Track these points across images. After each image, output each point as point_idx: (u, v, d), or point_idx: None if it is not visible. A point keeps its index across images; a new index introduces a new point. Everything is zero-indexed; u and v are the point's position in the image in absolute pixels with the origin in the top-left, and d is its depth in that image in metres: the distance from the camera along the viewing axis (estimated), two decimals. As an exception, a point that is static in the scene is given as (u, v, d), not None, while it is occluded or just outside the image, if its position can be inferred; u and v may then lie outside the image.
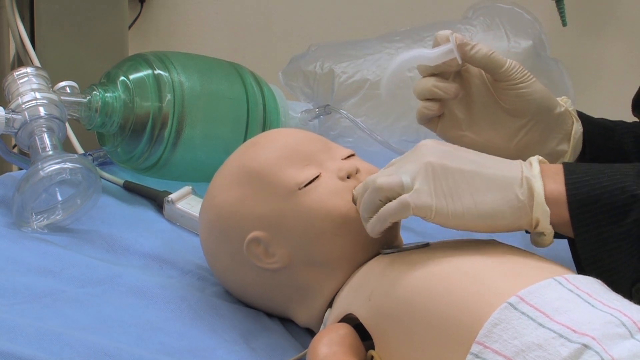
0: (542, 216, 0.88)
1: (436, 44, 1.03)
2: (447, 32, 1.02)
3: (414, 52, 1.03)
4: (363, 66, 1.71)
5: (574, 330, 0.79)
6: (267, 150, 1.02)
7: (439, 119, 1.07)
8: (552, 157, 1.06)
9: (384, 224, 0.91)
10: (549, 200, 0.89)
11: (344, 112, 1.50)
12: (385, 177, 0.90)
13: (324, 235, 0.96)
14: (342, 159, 1.02)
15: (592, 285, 0.85)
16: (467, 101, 1.06)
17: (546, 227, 0.89)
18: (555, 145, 1.07)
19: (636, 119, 1.18)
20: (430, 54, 1.02)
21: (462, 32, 1.80)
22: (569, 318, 0.80)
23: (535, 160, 0.91)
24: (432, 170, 0.89)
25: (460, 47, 1.01)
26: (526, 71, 1.03)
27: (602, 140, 1.10)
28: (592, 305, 0.82)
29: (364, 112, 1.56)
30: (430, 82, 1.03)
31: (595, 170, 0.90)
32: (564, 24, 2.15)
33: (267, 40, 2.64)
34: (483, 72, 1.05)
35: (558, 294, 0.83)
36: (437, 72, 1.04)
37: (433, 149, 0.91)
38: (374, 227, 0.91)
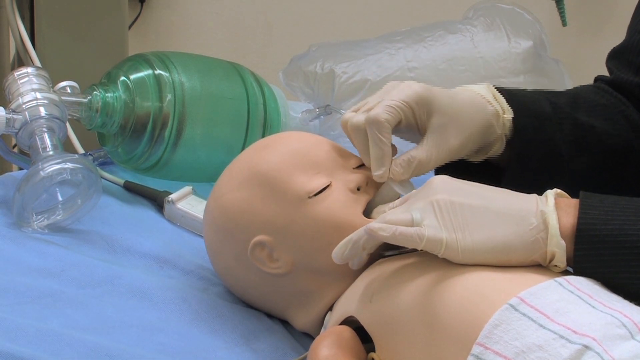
0: (559, 249, 0.87)
1: (385, 187, 1.00)
2: (378, 172, 0.98)
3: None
4: (363, 66, 1.71)
5: (574, 331, 0.79)
6: (278, 154, 1.01)
7: None
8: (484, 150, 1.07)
9: (389, 239, 0.88)
10: (562, 234, 0.87)
11: (345, 112, 1.50)
12: (395, 214, 0.90)
13: (330, 246, 0.95)
14: (354, 168, 1.02)
15: (592, 287, 0.85)
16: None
17: (562, 262, 0.87)
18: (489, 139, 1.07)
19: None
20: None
21: (463, 32, 1.80)
22: (569, 319, 0.80)
23: (551, 193, 0.90)
24: (441, 207, 0.88)
25: (393, 175, 0.99)
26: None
27: (532, 133, 1.08)
28: (593, 307, 0.82)
29: (364, 112, 1.56)
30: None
31: (611, 204, 0.88)
32: (564, 24, 2.15)
33: (267, 40, 2.64)
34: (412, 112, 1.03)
35: (559, 295, 0.83)
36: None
37: (443, 186, 0.90)
38: (379, 235, 0.88)
